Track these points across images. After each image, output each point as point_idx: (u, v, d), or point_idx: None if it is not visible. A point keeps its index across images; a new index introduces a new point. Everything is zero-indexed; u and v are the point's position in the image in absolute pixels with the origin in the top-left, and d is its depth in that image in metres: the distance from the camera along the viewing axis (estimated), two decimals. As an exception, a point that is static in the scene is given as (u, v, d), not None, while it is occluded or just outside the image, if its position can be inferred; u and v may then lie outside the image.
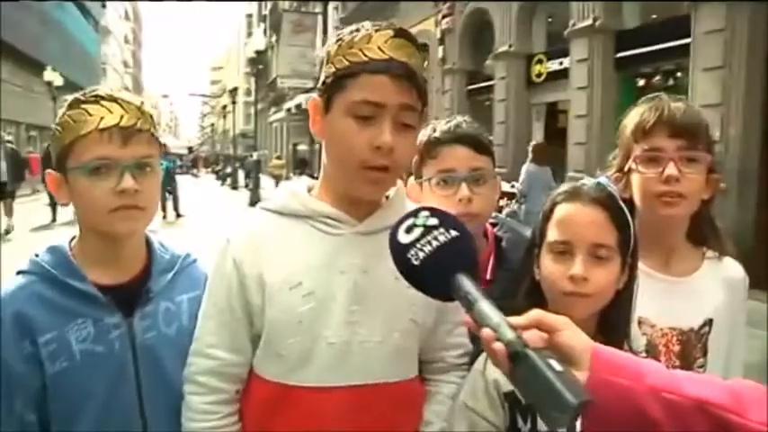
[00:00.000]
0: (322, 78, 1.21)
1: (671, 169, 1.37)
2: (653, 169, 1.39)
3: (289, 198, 1.28)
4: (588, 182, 1.25)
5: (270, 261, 1.23)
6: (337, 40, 1.20)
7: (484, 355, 1.21)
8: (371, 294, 1.23)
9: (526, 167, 9.15)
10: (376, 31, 1.17)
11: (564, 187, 1.26)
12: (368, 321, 1.23)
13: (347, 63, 1.16)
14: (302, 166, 29.28)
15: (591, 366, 0.88)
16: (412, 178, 1.60)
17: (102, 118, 1.25)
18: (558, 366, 0.84)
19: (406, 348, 1.28)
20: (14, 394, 1.23)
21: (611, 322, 1.23)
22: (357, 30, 1.18)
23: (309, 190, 1.30)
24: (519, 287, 1.28)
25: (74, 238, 1.36)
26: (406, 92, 1.15)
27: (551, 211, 1.24)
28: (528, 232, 1.39)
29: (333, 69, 1.18)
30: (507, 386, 1.18)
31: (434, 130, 1.55)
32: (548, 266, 1.21)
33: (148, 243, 1.40)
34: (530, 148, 9.50)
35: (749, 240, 6.63)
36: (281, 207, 1.28)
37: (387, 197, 1.29)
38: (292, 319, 1.21)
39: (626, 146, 1.46)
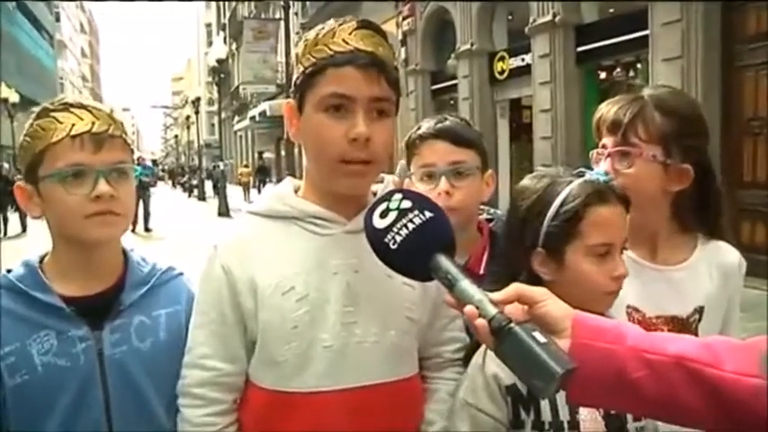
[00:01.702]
0: (294, 80, 1.21)
1: (605, 165, 1.39)
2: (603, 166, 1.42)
3: (274, 200, 1.26)
4: (600, 177, 1.22)
5: (260, 265, 1.20)
6: (304, 41, 1.20)
7: (482, 349, 1.20)
8: (365, 294, 1.21)
9: (401, 162, 9.90)
10: (339, 25, 1.17)
11: (586, 187, 1.19)
12: (363, 321, 1.21)
13: (314, 60, 1.15)
14: (263, 173, 29.66)
15: (572, 333, 0.90)
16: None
17: (73, 125, 1.24)
18: (541, 338, 0.87)
19: (404, 346, 1.26)
20: None
21: None
22: (322, 27, 1.18)
23: (296, 191, 1.28)
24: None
25: (46, 254, 1.33)
26: (374, 81, 1.14)
27: (582, 211, 1.18)
28: None
29: (302, 69, 1.18)
30: (508, 380, 1.17)
31: (420, 128, 1.57)
32: (588, 269, 1.17)
33: (126, 256, 1.36)
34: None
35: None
36: (268, 210, 1.26)
37: (375, 194, 1.27)
38: (287, 324, 1.18)
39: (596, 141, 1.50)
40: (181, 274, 1.43)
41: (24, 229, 15.11)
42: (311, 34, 1.19)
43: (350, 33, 1.15)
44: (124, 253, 1.37)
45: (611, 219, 1.19)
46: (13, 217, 15.91)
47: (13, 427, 1.21)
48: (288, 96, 1.26)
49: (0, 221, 15.88)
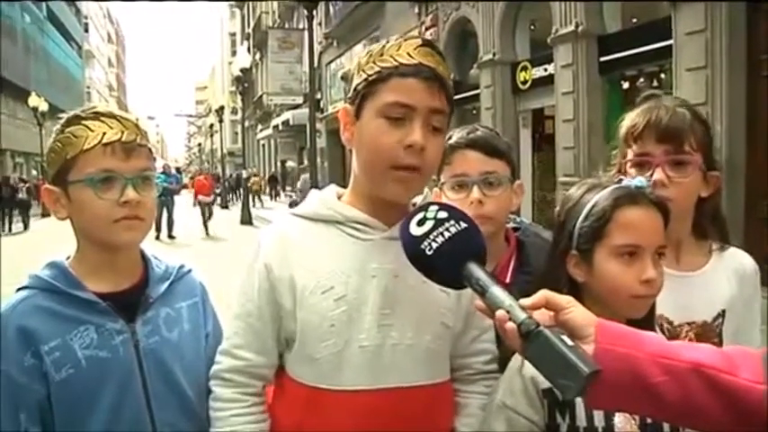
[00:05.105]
0: (353, 87, 1.26)
1: (658, 174, 1.40)
2: (643, 174, 1.42)
3: (318, 204, 1.32)
4: (634, 183, 1.25)
5: (301, 265, 1.27)
6: (367, 53, 1.27)
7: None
8: (403, 298, 1.26)
9: (303, 177, 11.76)
10: (405, 41, 1.24)
11: (618, 191, 1.24)
12: (399, 324, 1.26)
13: (378, 68, 1.22)
14: (273, 182, 30.83)
15: (596, 338, 0.94)
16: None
17: (104, 133, 1.31)
18: (568, 340, 0.91)
19: (437, 351, 1.30)
20: (19, 409, 1.24)
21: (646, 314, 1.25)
22: (387, 41, 1.26)
23: (339, 197, 1.34)
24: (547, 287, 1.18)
25: (68, 257, 1.39)
26: (435, 95, 1.20)
27: (611, 213, 1.22)
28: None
29: (364, 76, 1.23)
30: (545, 383, 1.18)
31: (450, 137, 1.59)
32: (614, 270, 1.20)
33: (143, 255, 1.45)
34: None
35: (739, 236, 6.67)
36: (312, 213, 1.32)
37: (414, 204, 1.31)
38: (325, 322, 1.24)
39: (622, 149, 1.51)
40: (190, 270, 1.52)
41: (26, 227, 16.89)
42: (376, 47, 1.26)
43: (414, 49, 1.22)
44: (141, 252, 1.45)
45: (639, 221, 1.21)
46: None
47: (59, 422, 1.26)
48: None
49: (6, 220, 19.53)
